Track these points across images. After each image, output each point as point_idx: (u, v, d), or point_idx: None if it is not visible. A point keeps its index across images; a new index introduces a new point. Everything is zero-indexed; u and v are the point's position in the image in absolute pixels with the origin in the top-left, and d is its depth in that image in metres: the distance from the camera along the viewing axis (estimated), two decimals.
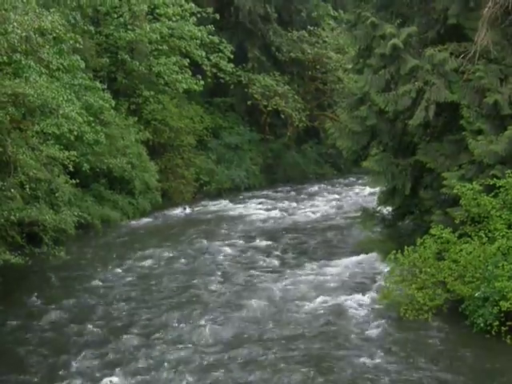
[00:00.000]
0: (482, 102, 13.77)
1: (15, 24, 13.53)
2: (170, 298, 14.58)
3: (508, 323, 11.16)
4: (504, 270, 11.50)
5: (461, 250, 12.51)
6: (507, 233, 12.26)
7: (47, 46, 16.23)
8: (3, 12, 13.53)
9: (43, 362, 11.36)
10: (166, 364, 10.94)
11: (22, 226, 16.13)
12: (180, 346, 11.79)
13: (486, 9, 13.60)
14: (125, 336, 12.30)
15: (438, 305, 12.37)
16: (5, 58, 14.25)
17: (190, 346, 11.77)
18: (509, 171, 12.80)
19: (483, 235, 12.54)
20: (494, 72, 13.79)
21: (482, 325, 11.49)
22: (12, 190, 14.40)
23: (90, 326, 12.89)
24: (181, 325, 12.83)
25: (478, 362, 10.78)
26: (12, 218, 14.30)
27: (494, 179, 12.88)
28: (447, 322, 12.23)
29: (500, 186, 12.75)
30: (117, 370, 10.80)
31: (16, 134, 15.07)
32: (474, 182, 13.02)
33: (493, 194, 12.81)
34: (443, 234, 12.95)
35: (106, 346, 11.92)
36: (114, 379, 10.47)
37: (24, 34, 13.88)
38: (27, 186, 15.04)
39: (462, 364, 10.67)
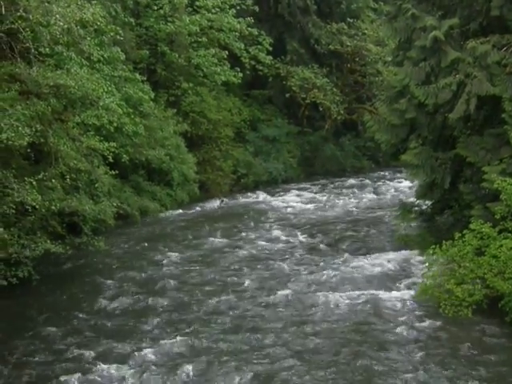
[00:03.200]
0: None
1: (57, 16, 13.70)
2: (212, 288, 14.75)
3: None
4: None
5: (501, 246, 12.35)
6: None
7: (88, 38, 16.41)
8: (46, 4, 13.71)
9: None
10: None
11: (62, 216, 16.35)
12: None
13: None
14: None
15: (477, 300, 12.23)
16: (47, 49, 14.45)
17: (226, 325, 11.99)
18: None
19: None
20: None
21: None
22: (53, 181, 14.59)
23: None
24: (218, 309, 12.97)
25: None
26: (53, 208, 14.49)
27: None
28: (487, 318, 12.09)
29: None
30: None
31: (57, 125, 15.24)
32: None
33: None
34: (483, 229, 12.79)
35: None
36: None
37: (66, 26, 14.05)
38: (68, 177, 15.22)
39: (499, 360, 10.54)
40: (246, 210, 24.95)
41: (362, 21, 35.97)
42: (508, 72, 13.87)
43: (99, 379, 10.36)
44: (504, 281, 11.95)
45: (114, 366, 10.69)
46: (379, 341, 11.52)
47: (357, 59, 35.78)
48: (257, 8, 30.77)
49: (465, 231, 13.04)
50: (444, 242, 13.18)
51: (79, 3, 14.84)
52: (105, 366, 10.65)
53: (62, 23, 13.85)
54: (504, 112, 13.75)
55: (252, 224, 21.99)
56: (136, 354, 11.15)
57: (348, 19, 35.53)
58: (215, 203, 26.67)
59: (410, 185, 23.04)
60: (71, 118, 15.77)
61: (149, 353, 11.18)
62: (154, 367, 10.65)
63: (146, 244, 19.05)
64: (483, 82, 13.93)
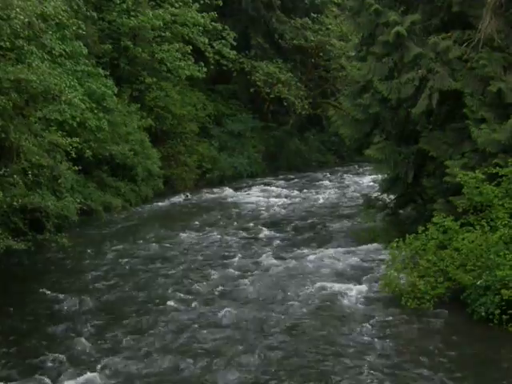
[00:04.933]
0: (486, 90, 13.74)
1: (18, 10, 13.50)
2: (166, 285, 14.53)
3: (509, 312, 11.17)
4: (506, 259, 11.51)
5: (463, 239, 12.51)
6: (509, 222, 12.27)
7: (50, 32, 16.20)
8: None
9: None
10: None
11: (24, 212, 16.13)
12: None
13: None
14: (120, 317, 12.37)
15: (439, 293, 12.38)
16: (7, 43, 14.19)
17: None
18: (511, 160, 12.78)
19: (485, 224, 12.54)
20: (498, 60, 13.75)
21: (483, 313, 11.50)
22: (15, 176, 14.38)
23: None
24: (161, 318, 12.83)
25: (478, 350, 10.79)
26: (14, 204, 14.29)
27: (497, 168, 12.87)
28: (448, 311, 12.23)
29: (503, 175, 12.74)
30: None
31: (19, 120, 15.00)
32: (476, 171, 13.00)
33: (495, 182, 12.80)
34: (445, 223, 12.95)
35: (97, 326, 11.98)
36: None
37: (26, 19, 13.85)
38: (30, 173, 15.01)
39: (462, 352, 10.68)
40: (210, 205, 24.93)
41: (326, 16, 36.12)
42: (469, 67, 14.03)
43: None
44: (466, 273, 12.12)
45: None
46: (338, 334, 11.53)
47: (321, 54, 35.95)
48: (221, 2, 30.64)
49: (428, 225, 13.19)
50: (407, 235, 13.32)
51: None
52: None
53: (22, 17, 13.64)
54: (465, 107, 13.93)
55: (216, 219, 21.98)
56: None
57: (312, 14, 35.67)
58: (180, 198, 26.60)
59: (374, 179, 23.22)
60: (33, 113, 15.54)
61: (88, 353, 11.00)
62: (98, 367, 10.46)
63: (108, 240, 18.89)
64: (445, 78, 14.09)
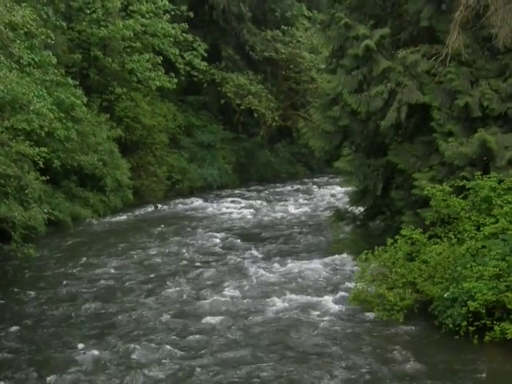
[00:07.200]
0: (453, 104, 13.89)
1: None
2: (134, 297, 14.45)
3: (475, 323, 11.27)
4: (472, 271, 11.60)
5: (431, 251, 12.60)
6: (476, 234, 12.38)
7: (18, 41, 16.07)
8: None
9: None
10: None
11: None
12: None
13: (458, 12, 13.72)
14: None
15: (408, 305, 12.44)
16: None
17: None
18: (478, 173, 12.94)
19: (452, 236, 12.65)
20: (465, 74, 13.92)
21: (450, 325, 11.58)
22: None
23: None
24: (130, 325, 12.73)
25: (444, 361, 10.85)
26: None
27: (464, 181, 13.01)
28: (417, 322, 12.30)
29: (469, 188, 12.87)
30: None
31: None
32: (444, 184, 13.12)
33: (462, 195, 12.93)
34: (413, 235, 13.05)
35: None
36: None
37: None
38: None
39: (428, 364, 10.71)
40: (180, 217, 24.83)
41: (297, 28, 36.34)
42: (437, 81, 14.19)
43: None
44: (433, 285, 12.20)
45: None
46: (305, 346, 11.50)
47: (291, 66, 36.12)
48: (191, 14, 30.70)
49: (396, 237, 13.27)
50: (376, 247, 13.38)
51: (8, 5, 14.50)
52: None
53: None
54: (433, 120, 14.07)
55: (186, 230, 21.89)
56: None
57: (282, 27, 35.87)
58: (149, 209, 26.46)
59: (344, 191, 23.33)
60: (0, 123, 15.39)
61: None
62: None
63: (74, 251, 18.72)
64: (413, 91, 14.22)
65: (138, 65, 27.06)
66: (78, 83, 23.80)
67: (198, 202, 28.13)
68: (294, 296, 13.98)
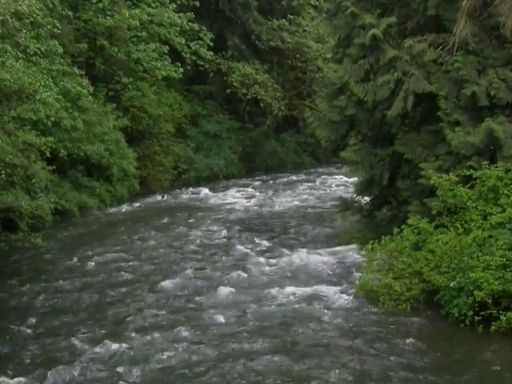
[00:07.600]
0: (460, 93, 13.84)
1: None
2: (139, 287, 14.44)
3: (481, 313, 11.26)
4: (479, 261, 11.60)
5: (437, 241, 12.58)
6: (482, 224, 12.36)
7: (24, 31, 16.06)
8: None
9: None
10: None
11: None
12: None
13: (465, 0, 13.65)
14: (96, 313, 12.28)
15: (414, 295, 12.44)
16: None
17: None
18: (485, 162, 12.90)
19: (459, 226, 12.63)
20: (472, 63, 13.86)
21: (456, 314, 11.58)
22: None
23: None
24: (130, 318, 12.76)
25: (450, 351, 10.86)
26: None
27: (471, 170, 12.97)
28: (424, 312, 12.31)
29: (476, 178, 12.84)
30: None
31: None
32: (450, 173, 13.09)
33: (469, 185, 12.90)
34: (420, 225, 13.03)
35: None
36: None
37: (0, 18, 13.70)
38: (3, 172, 14.87)
39: (434, 353, 10.73)
40: (186, 206, 24.87)
41: (303, 17, 36.25)
42: (444, 70, 14.13)
43: None
44: (440, 275, 12.19)
45: None
46: (312, 337, 11.48)
47: (297, 56, 36.06)
48: (198, 3, 30.66)
49: (403, 226, 13.26)
50: (383, 237, 13.38)
51: None
52: None
53: None
54: (440, 110, 14.03)
55: (192, 220, 21.92)
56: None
57: (289, 16, 35.78)
58: (156, 199, 26.50)
59: (350, 181, 23.31)
60: (7, 112, 15.40)
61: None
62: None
63: (80, 241, 18.76)
64: (420, 80, 14.17)
65: (144, 54, 27.04)
66: (84, 73, 23.80)
67: (204, 191, 28.15)
68: (300, 287, 13.97)
